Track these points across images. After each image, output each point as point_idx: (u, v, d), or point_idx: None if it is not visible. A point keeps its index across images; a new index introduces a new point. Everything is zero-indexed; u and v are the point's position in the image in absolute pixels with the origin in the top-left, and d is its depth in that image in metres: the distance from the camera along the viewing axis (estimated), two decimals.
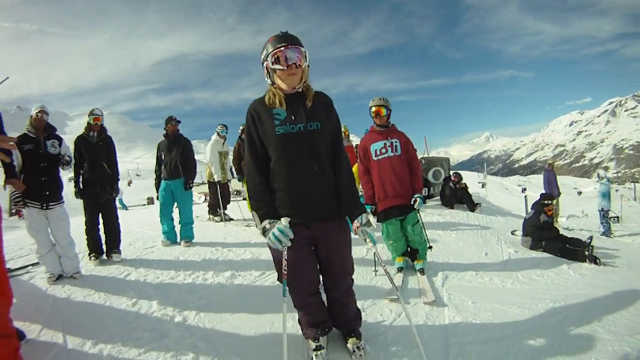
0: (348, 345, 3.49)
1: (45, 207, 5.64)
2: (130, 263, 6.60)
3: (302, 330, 3.61)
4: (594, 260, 7.07)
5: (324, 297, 3.62)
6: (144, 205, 26.71)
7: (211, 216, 10.81)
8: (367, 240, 3.12)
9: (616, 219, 17.12)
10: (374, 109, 5.90)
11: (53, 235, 5.80)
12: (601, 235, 13.58)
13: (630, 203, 35.84)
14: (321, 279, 3.50)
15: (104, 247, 6.88)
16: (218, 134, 10.57)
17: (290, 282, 3.14)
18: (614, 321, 4.29)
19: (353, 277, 3.58)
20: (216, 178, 10.27)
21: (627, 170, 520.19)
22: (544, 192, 10.67)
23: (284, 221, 2.94)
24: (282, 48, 2.98)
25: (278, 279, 3.27)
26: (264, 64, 3.09)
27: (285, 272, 3.03)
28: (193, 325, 4.25)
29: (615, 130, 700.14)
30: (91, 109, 6.80)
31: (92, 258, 6.67)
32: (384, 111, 5.89)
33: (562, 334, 4.04)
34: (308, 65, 3.12)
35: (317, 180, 3.09)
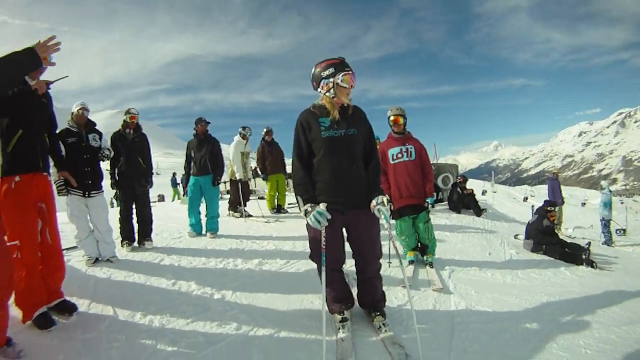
0: (374, 322, 4.00)
1: (86, 195, 6.00)
2: (161, 250, 7.01)
3: (327, 306, 4.11)
4: (591, 264, 7.51)
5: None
6: (154, 202, 26.87)
7: (231, 212, 11.19)
8: (382, 217, 3.68)
9: (622, 231, 17.29)
10: (392, 117, 6.55)
11: (92, 221, 6.19)
12: (602, 244, 13.77)
13: (638, 216, 35.73)
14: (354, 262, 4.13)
15: (136, 235, 7.34)
16: (242, 136, 11.02)
17: (324, 260, 3.67)
18: (602, 314, 4.74)
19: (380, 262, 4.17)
20: (238, 176, 10.68)
21: (635, 182, 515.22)
22: (548, 199, 11.09)
23: (322, 206, 3.59)
24: (350, 72, 3.78)
25: (310, 257, 4.04)
26: (330, 80, 3.80)
27: (324, 247, 3.60)
28: (231, 301, 4.74)
29: (625, 141, 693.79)
30: (128, 109, 7.34)
31: (125, 245, 7.11)
32: (401, 120, 6.54)
33: (554, 320, 4.52)
34: None
35: (353, 174, 3.78)
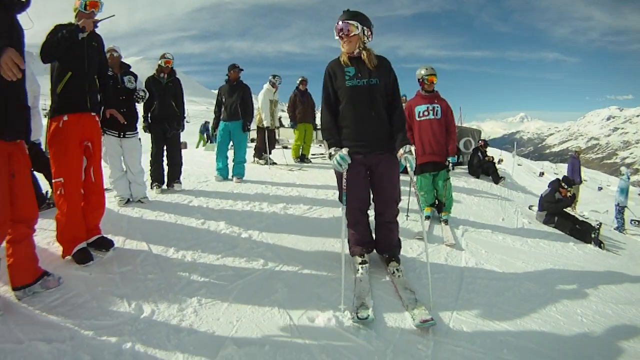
0: (389, 267, 4.33)
1: (122, 136, 6.21)
2: (189, 193, 7.26)
3: (349, 248, 4.49)
4: (599, 244, 7.79)
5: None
6: None
7: (256, 159, 11.43)
8: (408, 165, 3.95)
9: (638, 222, 17.45)
10: (427, 76, 6.75)
11: (125, 162, 6.40)
12: (614, 229, 13.90)
13: None
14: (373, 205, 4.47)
15: (165, 178, 7.57)
16: (272, 84, 11.11)
17: (347, 199, 4.02)
18: (602, 290, 4.98)
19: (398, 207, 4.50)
20: (265, 124, 10.81)
21: None
22: (565, 175, 11.23)
23: (345, 150, 3.95)
24: (337, 23, 4.10)
25: (339, 198, 4.36)
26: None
27: (345, 188, 3.95)
28: (258, 240, 5.05)
29: None
30: (163, 53, 7.49)
31: (155, 187, 7.32)
32: (435, 79, 6.78)
33: (556, 287, 4.82)
34: (364, 34, 4.13)
35: (373, 121, 4.13)
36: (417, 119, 6.78)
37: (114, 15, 4.52)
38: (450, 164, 6.86)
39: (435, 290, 3.98)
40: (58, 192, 4.15)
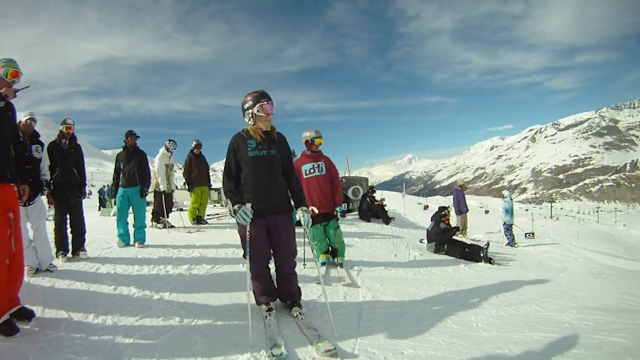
0: (292, 312, 4.77)
1: (26, 205, 6.01)
2: (95, 260, 7.23)
3: (255, 298, 4.89)
4: (489, 260, 8.61)
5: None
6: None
7: (154, 223, 11.54)
8: (303, 222, 4.65)
9: (531, 234, 18.77)
10: (317, 140, 7.47)
11: (33, 228, 6.29)
12: (506, 245, 15.20)
13: (547, 221, 37.85)
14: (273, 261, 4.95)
15: (70, 246, 7.46)
16: (167, 148, 11.48)
17: (251, 254, 4.55)
18: (494, 298, 5.74)
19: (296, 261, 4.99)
20: (162, 188, 11.15)
21: (544, 191, 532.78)
22: (441, 205, 12.01)
23: (248, 205, 4.48)
24: (266, 101, 4.63)
25: (243, 255, 4.70)
26: (249, 110, 4.65)
27: (249, 240, 4.50)
28: (170, 300, 5.27)
29: (535, 154, 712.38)
30: (64, 119, 7.50)
31: (60, 255, 7.22)
32: (322, 142, 7.49)
33: (450, 304, 5.44)
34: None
35: (273, 187, 4.66)
36: (305, 176, 7.40)
37: (29, 87, 4.66)
38: (338, 213, 7.54)
39: (337, 324, 4.45)
40: None
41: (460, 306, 5.34)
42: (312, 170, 7.43)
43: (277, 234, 4.76)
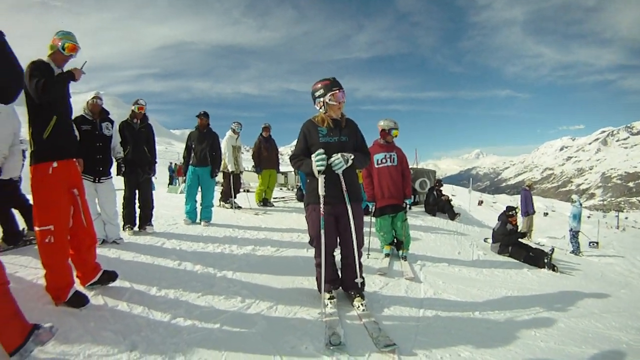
0: (354, 302, 4.73)
1: (96, 181, 6.36)
2: (161, 235, 7.47)
3: (317, 286, 4.88)
4: (552, 267, 8.34)
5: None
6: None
7: (222, 203, 11.76)
8: (334, 157, 4.43)
9: (595, 244, 18.20)
10: (394, 132, 7.42)
11: (100, 205, 6.51)
12: (570, 252, 14.62)
13: (613, 231, 36.60)
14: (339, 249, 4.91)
15: (137, 220, 7.79)
16: (233, 130, 11.66)
17: (318, 241, 4.55)
18: (555, 308, 5.51)
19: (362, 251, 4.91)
20: (230, 169, 11.31)
21: (613, 198, 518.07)
22: (509, 205, 11.81)
23: (321, 150, 4.41)
24: (337, 90, 4.55)
25: (309, 242, 4.82)
26: (321, 98, 4.60)
27: (323, 229, 4.45)
28: (233, 279, 5.37)
29: (605, 159, 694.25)
30: (136, 99, 7.72)
31: (127, 229, 7.53)
32: (398, 134, 7.43)
33: (509, 309, 5.30)
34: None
35: (343, 175, 4.53)
36: (376, 166, 7.34)
37: (86, 62, 4.57)
38: (408, 205, 7.45)
39: (397, 319, 4.47)
40: (47, 240, 4.05)
41: (520, 313, 5.21)
42: (384, 160, 7.36)
43: (345, 223, 4.64)
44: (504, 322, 4.85)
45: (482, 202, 50.62)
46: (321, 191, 4.38)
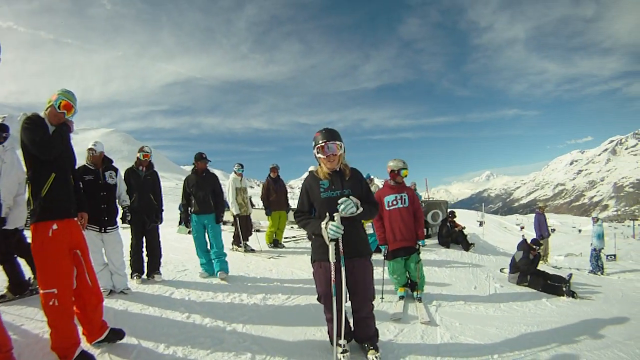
0: (368, 356, 4.53)
1: (102, 231, 6.36)
2: (170, 284, 7.35)
3: (330, 339, 4.68)
4: (572, 294, 8.16)
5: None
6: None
7: (234, 246, 11.61)
8: (341, 202, 4.19)
9: (612, 257, 17.97)
10: (404, 171, 7.27)
11: (107, 255, 6.49)
12: (589, 273, 14.55)
13: (629, 241, 36.23)
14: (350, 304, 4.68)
15: (145, 268, 7.67)
16: (235, 172, 11.58)
17: (328, 298, 4.34)
18: (577, 341, 5.36)
19: (373, 303, 4.71)
20: (234, 211, 11.16)
21: (627, 207, 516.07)
22: (535, 237, 11.59)
23: (336, 216, 4.15)
24: (323, 143, 4.35)
25: (318, 299, 4.59)
26: (314, 151, 4.46)
27: (334, 280, 4.23)
28: (243, 333, 5.20)
29: (616, 168, 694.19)
30: (141, 146, 7.71)
31: (135, 277, 7.45)
32: (407, 173, 7.30)
33: (530, 348, 5.10)
34: (344, 151, 4.47)
35: (348, 229, 4.25)
36: (387, 208, 7.18)
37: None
38: (420, 247, 7.25)
39: None
40: (51, 303, 3.98)
41: (541, 351, 5.01)
42: (395, 202, 7.21)
43: (355, 277, 4.45)
44: None
45: (523, 227, 50.30)
46: (332, 258, 4.16)
